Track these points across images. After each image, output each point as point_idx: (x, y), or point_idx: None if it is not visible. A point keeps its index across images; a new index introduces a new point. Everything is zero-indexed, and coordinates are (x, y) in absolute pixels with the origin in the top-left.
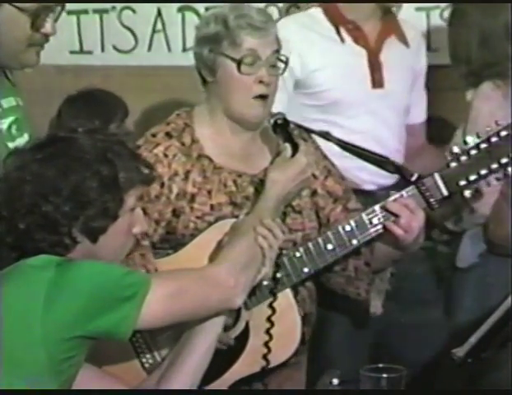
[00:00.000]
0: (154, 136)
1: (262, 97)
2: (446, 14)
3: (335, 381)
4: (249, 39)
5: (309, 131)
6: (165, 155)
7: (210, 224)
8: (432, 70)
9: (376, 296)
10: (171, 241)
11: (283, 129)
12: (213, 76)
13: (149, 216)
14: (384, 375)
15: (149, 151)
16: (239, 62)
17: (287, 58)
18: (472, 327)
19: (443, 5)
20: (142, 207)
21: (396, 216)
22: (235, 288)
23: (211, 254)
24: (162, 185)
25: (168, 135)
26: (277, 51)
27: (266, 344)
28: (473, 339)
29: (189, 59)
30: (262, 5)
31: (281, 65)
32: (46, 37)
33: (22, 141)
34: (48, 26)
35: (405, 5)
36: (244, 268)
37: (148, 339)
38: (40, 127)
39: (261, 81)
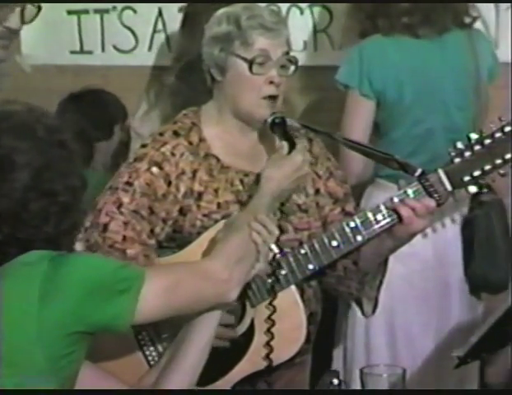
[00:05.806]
0: (161, 135)
1: (272, 97)
2: None
3: (335, 381)
4: (261, 39)
5: (314, 130)
6: (173, 154)
7: (216, 222)
8: None
9: (367, 302)
10: (178, 240)
11: (280, 128)
12: (223, 76)
13: (156, 215)
14: (384, 375)
15: (156, 150)
16: (250, 63)
17: (296, 59)
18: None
19: None
20: (149, 206)
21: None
22: (228, 282)
23: (208, 251)
24: (169, 184)
25: (175, 134)
26: (287, 52)
27: (268, 343)
28: (473, 339)
29: None
30: (263, 5)
31: (292, 66)
32: (11, 32)
33: None
34: (11, 20)
35: None
36: (238, 263)
37: (151, 332)
38: None
39: (271, 82)
